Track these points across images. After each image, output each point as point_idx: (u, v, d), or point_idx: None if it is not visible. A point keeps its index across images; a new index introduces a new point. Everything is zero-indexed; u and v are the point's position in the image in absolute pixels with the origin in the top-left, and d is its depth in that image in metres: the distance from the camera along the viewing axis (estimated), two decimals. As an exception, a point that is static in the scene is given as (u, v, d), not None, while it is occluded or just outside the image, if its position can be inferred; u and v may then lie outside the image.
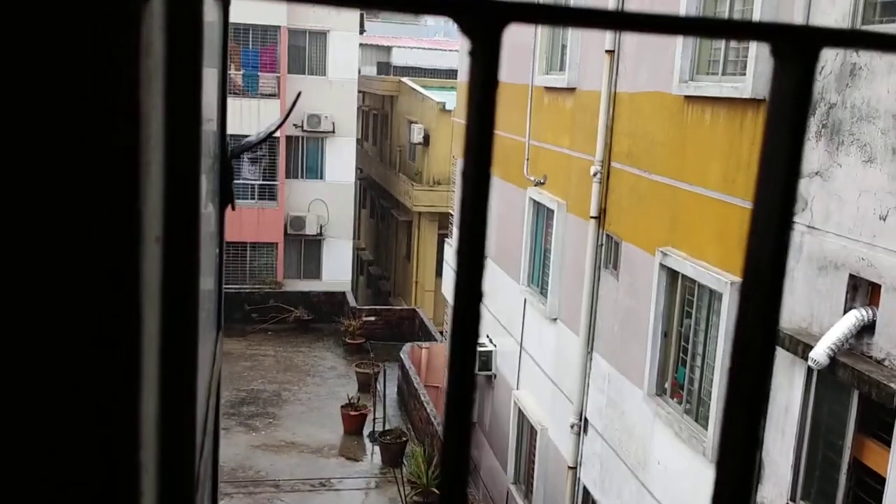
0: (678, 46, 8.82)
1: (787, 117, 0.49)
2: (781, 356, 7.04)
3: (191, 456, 0.81)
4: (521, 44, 13.63)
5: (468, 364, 0.49)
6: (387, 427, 17.52)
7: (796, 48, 0.49)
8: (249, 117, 24.94)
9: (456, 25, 0.49)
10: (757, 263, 0.51)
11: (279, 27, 25.72)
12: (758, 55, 7.50)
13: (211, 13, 1.25)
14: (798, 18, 6.94)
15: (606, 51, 10.49)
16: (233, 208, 1.59)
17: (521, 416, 13.47)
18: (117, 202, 0.46)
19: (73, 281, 0.47)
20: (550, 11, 0.47)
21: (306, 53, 26.78)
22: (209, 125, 1.26)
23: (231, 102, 28.03)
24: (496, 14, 0.45)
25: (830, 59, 6.63)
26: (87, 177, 0.45)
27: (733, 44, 8.25)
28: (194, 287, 0.75)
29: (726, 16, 8.29)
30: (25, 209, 0.45)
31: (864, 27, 6.41)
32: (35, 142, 0.45)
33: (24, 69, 0.45)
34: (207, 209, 1.35)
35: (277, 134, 25.65)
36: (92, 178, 0.45)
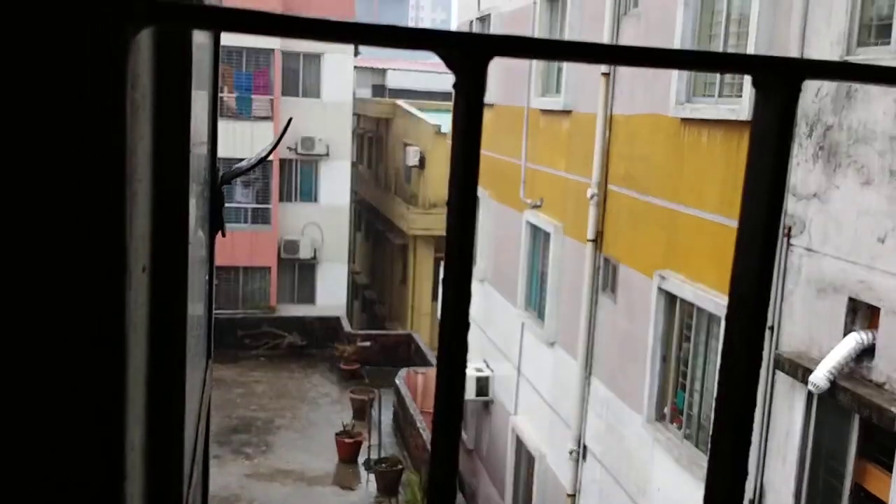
0: (674, 69, 8.88)
1: (770, 148, 0.50)
2: (781, 380, 7.02)
3: (179, 485, 0.80)
4: (516, 66, 13.71)
5: (456, 391, 0.49)
6: (382, 455, 17.39)
7: (778, 80, 0.50)
8: (242, 140, 25.00)
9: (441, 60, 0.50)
10: (741, 289, 0.51)
11: (273, 50, 25.84)
12: (751, 79, 7.55)
13: (201, 37, 1.25)
14: (793, 40, 7.00)
15: (602, 73, 10.55)
16: (223, 234, 1.59)
17: (519, 442, 13.40)
18: (102, 233, 0.46)
19: (57, 310, 0.47)
20: (532, 45, 0.47)
21: (300, 76, 26.90)
22: (200, 150, 1.26)
23: (224, 125, 28.26)
24: (479, 48, 0.46)
25: (826, 82, 6.68)
26: (71, 208, 0.45)
27: (727, 68, 8.30)
28: (182, 316, 0.74)
29: (722, 39, 8.36)
30: (8, 240, 0.45)
31: (860, 48, 6.46)
32: (20, 173, 0.45)
33: (11, 101, 0.45)
34: (197, 235, 1.35)
35: (271, 157, 25.70)
36: (76, 210, 0.45)
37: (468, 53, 0.46)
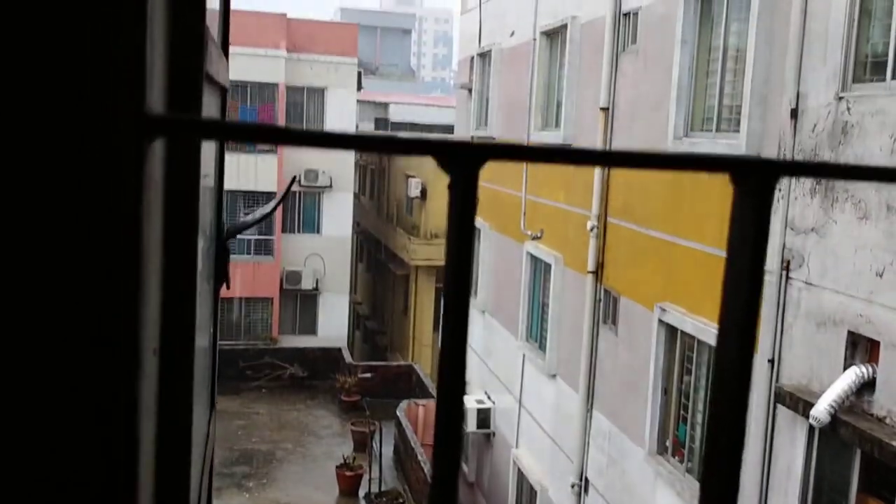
0: (672, 103, 8.96)
1: (748, 242, 0.53)
2: (782, 413, 7.00)
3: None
4: (516, 100, 13.84)
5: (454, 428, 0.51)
6: (383, 488, 17.27)
7: (754, 178, 0.53)
8: (247, 173, 25.13)
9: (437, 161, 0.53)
10: (725, 382, 0.53)
11: (277, 84, 26.08)
12: (751, 113, 7.62)
13: (209, 106, 1.29)
14: (789, 77, 7.07)
15: (601, 108, 10.65)
16: (227, 287, 1.62)
17: (521, 475, 13.31)
18: (116, 325, 0.49)
19: (69, 404, 0.49)
20: (523, 151, 0.50)
21: (304, 110, 27.11)
22: (207, 210, 1.30)
23: (229, 158, 28.12)
24: (472, 155, 0.49)
25: (823, 117, 6.74)
26: (84, 297, 0.48)
27: (727, 101, 8.39)
28: (189, 389, 0.77)
29: (719, 75, 8.44)
30: (25, 324, 0.48)
31: (855, 85, 6.52)
32: (40, 271, 0.48)
33: (35, 202, 0.48)
34: (204, 289, 1.38)
35: (274, 189, 25.80)
36: (89, 299, 0.48)
37: (462, 159, 0.49)
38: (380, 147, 0.49)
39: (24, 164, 0.46)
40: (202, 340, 1.28)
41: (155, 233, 0.57)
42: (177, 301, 0.66)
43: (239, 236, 26.37)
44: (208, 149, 1.43)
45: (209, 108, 1.30)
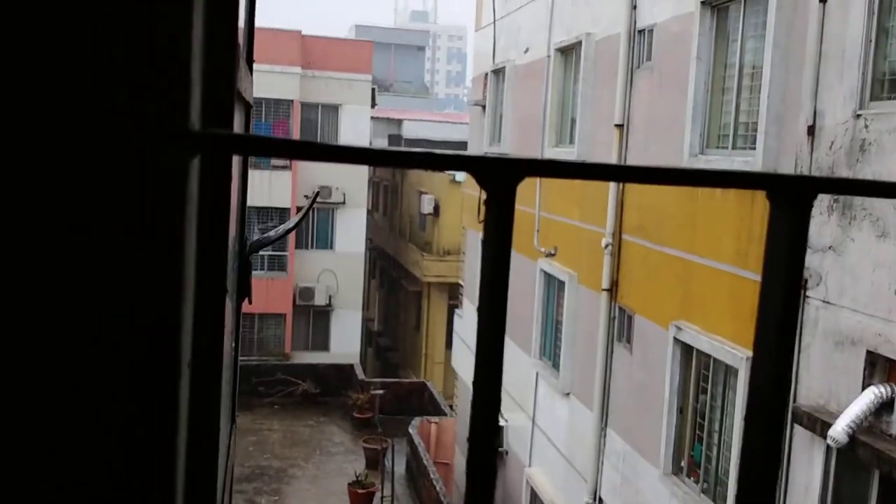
0: (687, 120, 8.95)
1: (783, 260, 0.52)
2: (800, 434, 6.94)
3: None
4: (530, 116, 13.86)
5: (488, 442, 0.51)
6: (396, 504, 17.20)
7: (791, 195, 0.53)
8: (261, 189, 25.24)
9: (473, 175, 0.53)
10: (760, 401, 0.53)
11: (292, 101, 26.24)
12: (767, 130, 7.60)
13: (238, 117, 1.30)
14: (806, 94, 7.05)
15: (616, 125, 10.65)
16: (249, 302, 1.62)
17: (534, 494, 13.22)
18: (161, 337, 0.49)
19: (114, 409, 0.49)
20: (560, 167, 0.51)
21: (318, 126, 27.25)
22: (231, 228, 1.31)
23: (245, 175, 27.87)
24: (510, 170, 0.49)
25: (840, 134, 6.71)
26: (129, 311, 0.48)
27: (742, 118, 8.38)
28: (216, 408, 0.77)
29: (735, 92, 8.43)
30: (78, 340, 0.48)
31: (873, 102, 6.49)
32: (92, 284, 0.49)
33: (84, 219, 0.48)
34: (228, 305, 1.39)
35: (288, 205, 25.91)
36: (134, 313, 0.49)
37: (500, 174, 0.49)
38: (418, 163, 0.49)
39: (76, 181, 0.47)
40: (225, 356, 1.28)
41: (190, 248, 0.57)
42: (207, 315, 0.67)
43: (253, 252, 26.46)
44: (234, 165, 1.44)
45: (237, 124, 1.31)
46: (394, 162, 0.49)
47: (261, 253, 26.55)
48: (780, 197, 0.54)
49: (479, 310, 0.53)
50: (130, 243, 0.48)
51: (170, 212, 0.48)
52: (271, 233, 2.16)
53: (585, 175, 0.52)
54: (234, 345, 1.57)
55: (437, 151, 0.51)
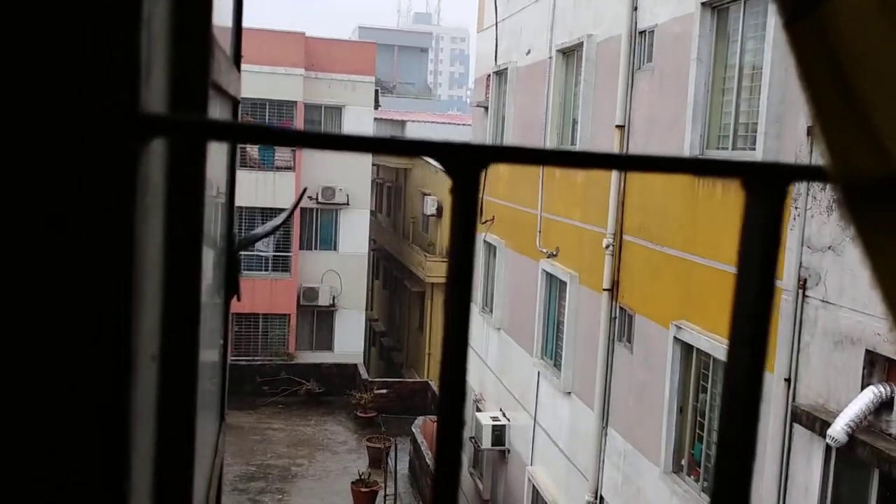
0: (688, 121, 8.94)
1: (759, 249, 0.51)
2: (799, 433, 6.92)
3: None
4: (532, 117, 13.85)
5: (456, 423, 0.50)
6: None
7: (765, 182, 0.51)
8: (265, 190, 25.27)
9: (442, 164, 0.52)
10: (734, 391, 0.52)
11: (295, 102, 26.25)
12: (766, 130, 7.59)
13: (221, 111, 1.29)
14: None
15: (617, 126, 10.64)
16: (238, 299, 1.61)
17: (535, 492, 13.22)
18: (107, 328, 0.48)
19: (58, 410, 0.48)
20: (526, 153, 0.49)
21: (322, 127, 27.21)
22: (217, 222, 1.30)
23: (247, 175, 28.25)
24: (476, 157, 0.48)
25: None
26: (77, 298, 0.47)
27: (742, 119, 8.36)
28: (192, 400, 0.76)
29: (735, 93, 8.42)
30: (17, 325, 0.47)
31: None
32: (25, 274, 0.48)
33: (20, 208, 0.47)
34: (214, 302, 1.38)
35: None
36: (82, 300, 0.47)
37: (465, 161, 0.48)
38: (382, 148, 0.48)
39: (15, 161, 0.46)
40: (211, 352, 1.27)
41: (154, 237, 0.56)
42: (179, 309, 0.66)
43: (256, 252, 26.51)
44: (219, 161, 1.43)
45: (221, 118, 1.30)
46: (357, 147, 0.48)
47: (264, 253, 26.58)
48: (754, 184, 0.53)
49: (446, 296, 0.52)
50: (72, 229, 0.47)
51: (117, 195, 0.47)
52: (259, 230, 2.15)
53: (550, 162, 0.50)
54: (223, 342, 1.56)
55: (402, 137, 0.50)
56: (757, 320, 0.52)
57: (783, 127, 7.44)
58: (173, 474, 0.72)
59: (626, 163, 0.51)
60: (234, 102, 1.42)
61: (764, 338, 0.52)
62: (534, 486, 13.24)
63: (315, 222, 27.42)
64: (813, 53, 0.48)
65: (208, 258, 1.20)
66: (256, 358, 25.84)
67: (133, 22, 0.46)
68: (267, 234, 2.11)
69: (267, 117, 26.46)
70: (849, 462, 6.40)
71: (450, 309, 0.52)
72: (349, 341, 27.45)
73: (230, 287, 1.48)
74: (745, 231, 0.53)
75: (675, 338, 9.06)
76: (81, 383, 0.48)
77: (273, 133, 0.45)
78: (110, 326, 0.48)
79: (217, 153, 1.28)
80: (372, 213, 30.10)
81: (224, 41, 1.26)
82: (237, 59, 1.65)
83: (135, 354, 0.50)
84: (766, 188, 0.52)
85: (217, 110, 1.09)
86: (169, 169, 0.60)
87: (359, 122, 27.32)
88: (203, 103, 0.73)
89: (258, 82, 24.49)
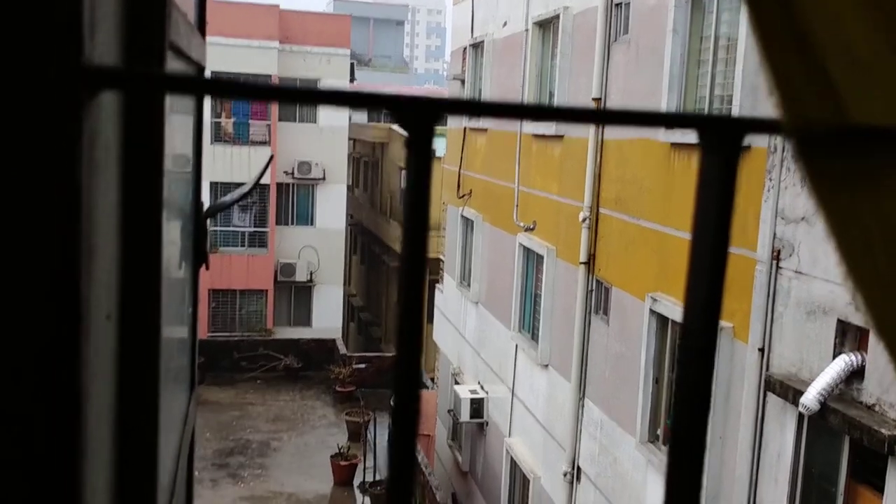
0: (664, 92, 8.95)
1: (713, 203, 0.52)
2: (772, 402, 7.03)
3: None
4: (509, 90, 13.81)
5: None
6: (378, 477, 17.32)
7: (721, 136, 0.52)
8: (240, 164, 25.09)
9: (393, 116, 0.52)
10: (691, 349, 0.52)
11: (270, 76, 26.00)
12: (742, 102, 7.62)
13: (183, 67, 1.28)
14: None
15: (593, 99, 10.63)
16: (206, 268, 1.60)
17: (514, 464, 13.35)
18: (56, 285, 0.47)
19: (10, 362, 0.48)
20: (476, 106, 0.49)
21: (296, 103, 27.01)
22: (182, 184, 1.28)
23: (223, 150, 27.96)
24: (427, 109, 0.48)
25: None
26: (22, 263, 0.47)
27: (718, 91, 8.39)
28: (155, 362, 0.76)
29: (710, 64, 8.44)
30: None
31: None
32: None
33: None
34: (181, 269, 1.36)
35: (268, 182, 25.77)
36: (27, 266, 0.47)
37: (417, 114, 0.48)
38: (337, 101, 0.48)
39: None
40: (178, 319, 1.27)
41: (106, 195, 0.55)
42: (137, 268, 0.65)
43: (233, 228, 26.34)
44: (185, 129, 1.42)
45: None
46: (308, 100, 0.48)
47: (241, 229, 26.44)
48: (709, 138, 0.53)
49: (401, 252, 0.52)
50: (18, 180, 0.46)
51: (58, 147, 0.46)
52: (227, 197, 2.14)
53: (505, 114, 0.50)
54: (191, 311, 1.55)
55: (351, 90, 0.49)
56: (713, 275, 0.52)
57: (758, 98, 7.47)
58: (135, 436, 0.71)
59: (580, 116, 0.51)
60: (199, 69, 1.40)
61: (719, 293, 0.52)
62: (512, 458, 13.37)
63: (291, 198, 27.29)
64: (766, 1, 0.48)
65: (173, 224, 1.19)
66: (234, 334, 25.79)
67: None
68: (234, 202, 2.10)
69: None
70: (821, 429, 6.51)
71: (403, 269, 0.52)
72: (327, 316, 27.44)
73: (198, 255, 1.47)
74: (701, 184, 0.54)
75: (650, 310, 9.13)
76: (28, 334, 0.47)
77: (226, 86, 0.44)
78: (54, 277, 0.47)
79: (181, 122, 1.26)
80: (349, 188, 29.97)
81: (186, 6, 1.24)
82: (201, 25, 1.63)
83: (85, 308, 0.50)
84: (721, 141, 0.52)
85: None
86: (123, 123, 0.59)
87: (335, 95, 27.09)
88: (160, 61, 0.72)
89: (232, 56, 24.22)
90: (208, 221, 1.74)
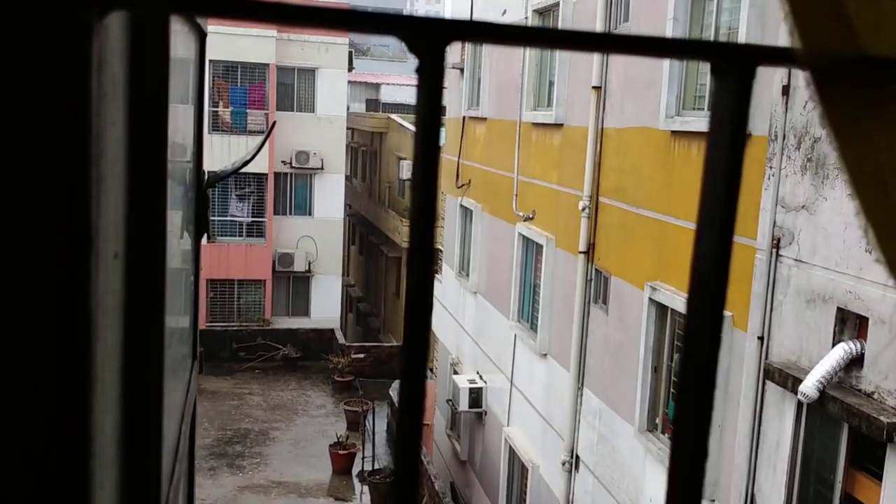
0: (664, 82, 8.93)
1: (727, 133, 0.51)
2: (771, 390, 7.04)
3: (157, 480, 0.81)
4: (509, 81, 13.78)
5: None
6: (376, 466, 17.36)
7: (734, 65, 0.51)
8: (238, 154, 24.98)
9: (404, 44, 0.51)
10: (701, 275, 0.52)
11: (268, 65, 25.93)
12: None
13: (186, 49, 1.27)
14: (783, 30, 7.04)
15: (593, 87, 10.61)
16: (209, 238, 1.60)
17: (512, 453, 13.37)
18: (67, 215, 0.47)
19: (17, 296, 0.47)
20: (490, 29, 0.49)
21: (295, 90, 26.97)
22: (184, 154, 1.27)
23: (220, 139, 27.97)
24: (438, 32, 0.47)
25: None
26: (33, 188, 0.46)
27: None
28: (160, 306, 0.75)
29: (713, 29, 8.41)
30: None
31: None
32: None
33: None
34: (183, 238, 1.36)
35: (266, 171, 25.73)
36: (37, 190, 0.46)
37: (428, 37, 0.47)
38: (342, 23, 0.47)
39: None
40: (181, 284, 1.26)
41: (115, 127, 0.55)
42: (144, 203, 0.65)
43: (231, 218, 26.30)
44: (184, 110, 1.41)
45: (187, 49, 1.27)
46: (310, 21, 0.47)
47: (239, 219, 26.41)
48: (722, 66, 0.52)
49: (412, 184, 0.51)
50: (22, 104, 0.45)
51: (67, 66, 0.45)
52: (228, 166, 2.14)
53: (516, 40, 0.50)
54: (193, 279, 1.55)
55: (363, 10, 0.49)
56: (727, 201, 0.52)
57: (759, 86, 7.41)
58: (141, 362, 0.71)
59: (596, 41, 0.51)
60: (202, 36, 1.39)
61: (731, 221, 0.52)
62: (510, 447, 13.40)
63: (289, 187, 27.25)
64: None
65: (177, 190, 1.19)
66: (232, 324, 25.80)
67: None
68: (236, 170, 2.10)
69: (239, 80, 26.12)
70: (820, 417, 6.52)
71: (416, 190, 0.51)
72: (326, 306, 27.45)
73: (200, 224, 1.46)
74: (713, 114, 0.53)
75: (649, 298, 9.14)
76: (37, 264, 0.47)
77: (237, 4, 0.43)
78: (62, 206, 0.47)
79: (183, 111, 1.25)
80: (347, 178, 29.93)
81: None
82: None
83: (93, 240, 0.49)
84: (733, 70, 0.52)
85: (185, 41, 1.07)
86: (129, 47, 0.59)
87: (332, 84, 27.06)
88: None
89: (230, 45, 24.15)
90: (209, 192, 1.73)
